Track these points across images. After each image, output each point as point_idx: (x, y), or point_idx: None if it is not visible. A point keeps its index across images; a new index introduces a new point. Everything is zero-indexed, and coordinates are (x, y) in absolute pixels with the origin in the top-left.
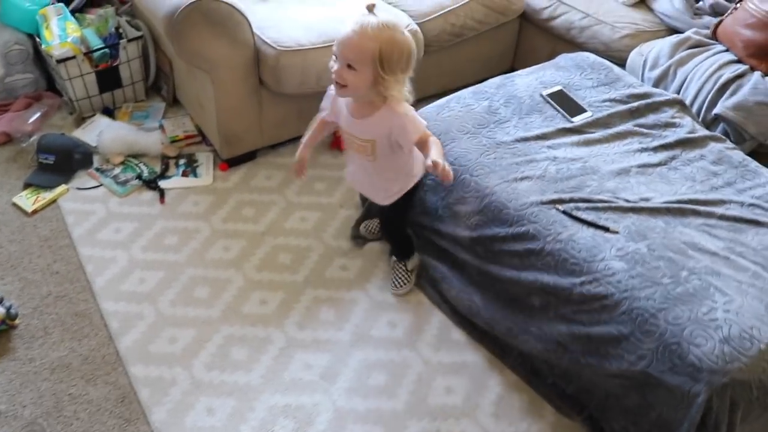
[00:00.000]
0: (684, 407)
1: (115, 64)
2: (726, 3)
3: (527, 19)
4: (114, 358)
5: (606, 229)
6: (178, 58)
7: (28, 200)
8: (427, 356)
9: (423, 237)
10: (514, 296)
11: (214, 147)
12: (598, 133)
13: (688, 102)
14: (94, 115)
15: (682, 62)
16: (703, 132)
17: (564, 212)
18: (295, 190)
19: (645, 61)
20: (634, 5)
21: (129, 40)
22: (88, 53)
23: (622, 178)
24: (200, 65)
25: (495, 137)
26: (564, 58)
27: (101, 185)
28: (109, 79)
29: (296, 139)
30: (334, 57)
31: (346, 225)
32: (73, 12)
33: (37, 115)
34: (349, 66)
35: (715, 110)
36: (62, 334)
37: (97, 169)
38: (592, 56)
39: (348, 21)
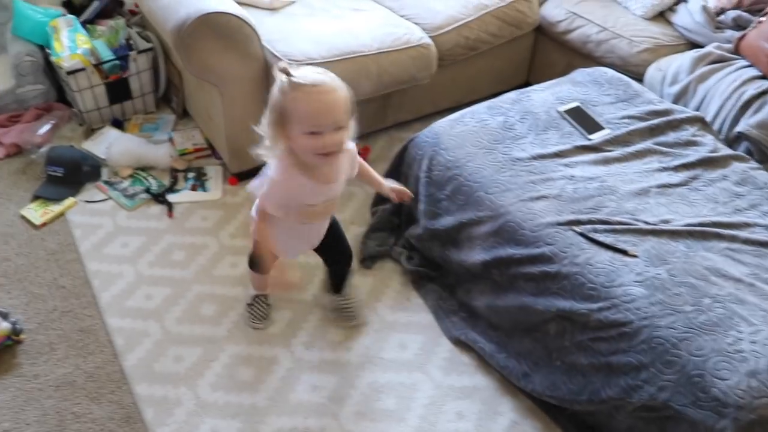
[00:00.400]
0: None
1: (125, 75)
2: (749, 16)
3: (542, 32)
4: (119, 376)
5: (624, 253)
6: (187, 72)
7: (36, 213)
8: (437, 379)
9: (430, 280)
10: (529, 326)
11: (223, 160)
12: (617, 152)
13: (709, 119)
14: (103, 126)
15: (703, 78)
16: (725, 151)
17: (581, 234)
18: None
19: (664, 77)
20: (652, 18)
21: (139, 52)
22: (99, 65)
23: (641, 199)
24: (209, 79)
25: (511, 154)
26: (581, 73)
27: (109, 198)
28: (118, 90)
29: None
30: (311, 133)
31: (357, 242)
32: (83, 24)
33: (47, 126)
34: (340, 127)
35: (738, 128)
36: (67, 350)
37: (106, 182)
38: (609, 71)
39: (298, 97)
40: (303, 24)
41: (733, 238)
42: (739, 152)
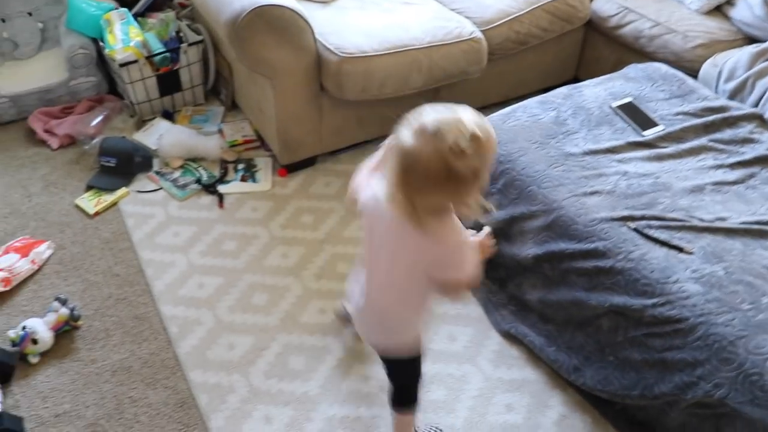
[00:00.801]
0: None
1: (175, 67)
2: None
3: (593, 27)
4: (173, 363)
5: (680, 249)
6: (239, 63)
7: (90, 202)
8: (487, 372)
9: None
10: (582, 320)
11: (273, 152)
12: (671, 148)
13: (767, 117)
14: (154, 118)
15: (762, 74)
16: None
17: (635, 230)
18: None
19: (720, 73)
20: (708, 13)
21: (189, 44)
22: (150, 57)
23: (696, 196)
24: (262, 71)
25: (563, 149)
26: (634, 69)
27: (161, 189)
28: (169, 82)
29: (355, 146)
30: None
31: None
32: (135, 16)
33: (100, 118)
34: None
35: None
36: (123, 336)
37: (157, 173)
38: (663, 67)
39: None
40: (354, 17)
41: None
42: None
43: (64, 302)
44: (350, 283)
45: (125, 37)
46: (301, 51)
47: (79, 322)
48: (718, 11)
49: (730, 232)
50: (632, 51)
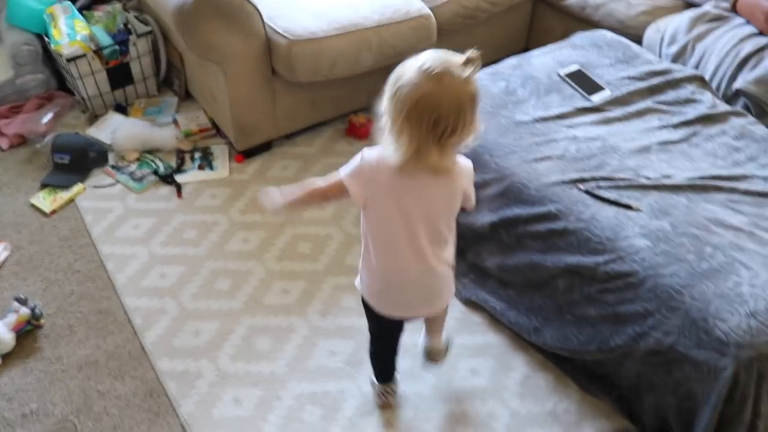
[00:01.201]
0: (711, 382)
1: (125, 60)
2: None
3: None
4: (140, 353)
5: (629, 207)
6: (190, 52)
7: (45, 201)
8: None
9: None
10: (539, 282)
11: (228, 139)
12: (618, 112)
13: (707, 77)
14: (107, 112)
15: (700, 37)
16: (723, 107)
17: (586, 191)
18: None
19: (662, 38)
20: None
21: (138, 36)
22: (98, 51)
23: (643, 156)
24: (212, 58)
25: (514, 117)
26: (580, 37)
27: (118, 182)
28: (120, 75)
29: (310, 129)
30: None
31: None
32: (80, 10)
33: (50, 115)
34: None
35: (736, 85)
36: (87, 331)
37: (113, 167)
38: (609, 34)
39: None
40: (303, 0)
41: (733, 190)
42: (738, 108)
43: (24, 302)
44: (366, 275)
45: (71, 31)
46: (251, 36)
47: (42, 321)
48: None
49: (675, 188)
50: (579, 20)
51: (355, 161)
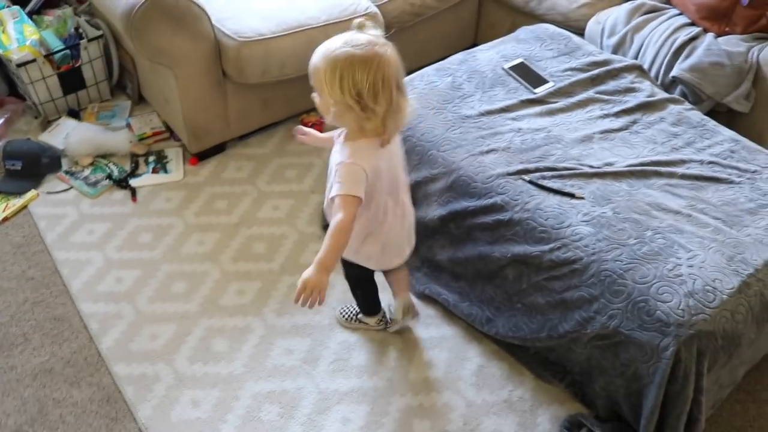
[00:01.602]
0: (655, 361)
1: (77, 65)
2: None
3: None
4: (96, 359)
5: (572, 196)
6: (140, 55)
7: None
8: (405, 333)
9: None
10: (489, 273)
11: (182, 142)
12: (561, 103)
13: (646, 66)
14: (59, 117)
15: (638, 28)
16: (662, 95)
17: (530, 182)
18: (266, 180)
19: (603, 29)
20: None
21: (89, 40)
22: (49, 55)
23: (585, 145)
24: (162, 61)
25: (460, 112)
26: (524, 31)
27: (71, 188)
28: (72, 80)
29: (263, 129)
30: None
31: (319, 210)
32: (29, 14)
33: (1, 121)
34: (314, 88)
35: (672, 73)
36: (42, 339)
37: (67, 172)
38: (551, 27)
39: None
40: (251, 1)
41: (671, 175)
42: (675, 95)
43: None
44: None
45: (20, 36)
46: (199, 38)
47: None
48: None
49: (617, 175)
50: (524, 14)
51: (359, 175)
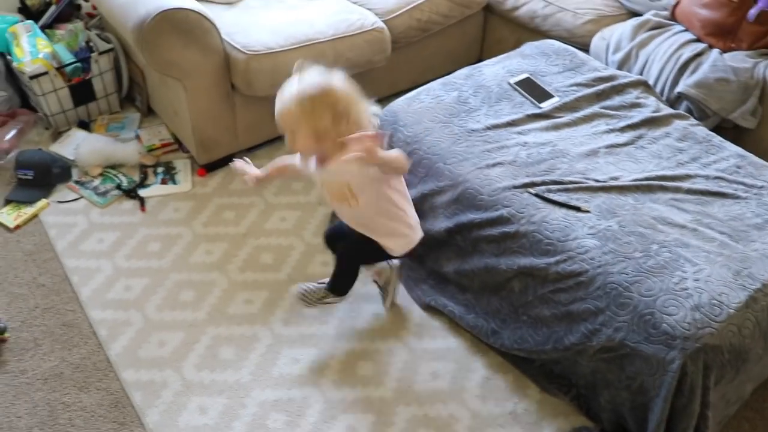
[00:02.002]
0: (661, 375)
1: (87, 77)
2: None
3: (491, 10)
4: (105, 365)
5: (577, 209)
6: (150, 68)
7: (9, 216)
8: (411, 344)
9: None
10: (495, 285)
11: (191, 153)
12: (566, 117)
13: (651, 82)
14: (69, 129)
15: (643, 44)
16: (667, 111)
17: (536, 195)
18: (273, 191)
19: (608, 45)
20: None
21: (100, 53)
22: (61, 68)
23: (591, 160)
24: (172, 74)
25: (466, 126)
26: (529, 47)
27: (81, 197)
28: (82, 92)
29: (271, 142)
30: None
31: (325, 222)
32: (42, 28)
33: (13, 132)
34: (293, 131)
35: (678, 89)
36: (52, 344)
37: (77, 182)
38: (556, 43)
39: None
40: (260, 16)
41: (677, 189)
42: (680, 111)
43: None
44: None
45: (33, 49)
46: (209, 51)
47: (6, 335)
48: None
49: (622, 189)
50: (529, 30)
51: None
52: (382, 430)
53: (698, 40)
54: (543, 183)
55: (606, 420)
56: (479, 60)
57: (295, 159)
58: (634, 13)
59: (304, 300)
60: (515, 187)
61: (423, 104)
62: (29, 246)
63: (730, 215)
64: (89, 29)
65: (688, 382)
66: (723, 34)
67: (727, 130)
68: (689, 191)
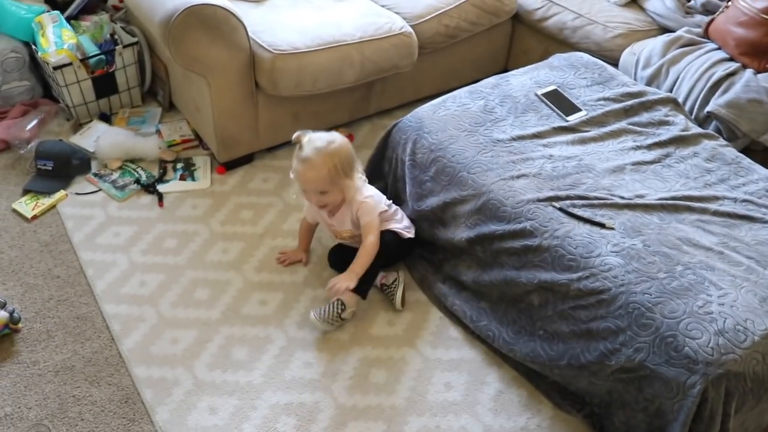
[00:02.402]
0: (680, 399)
1: (111, 70)
2: (717, 1)
3: (520, 20)
4: (117, 360)
5: (602, 226)
6: (174, 63)
7: (27, 206)
8: (426, 353)
9: (420, 257)
10: (514, 297)
11: (211, 151)
12: (593, 132)
13: (680, 100)
14: (91, 121)
15: (674, 61)
16: (696, 130)
17: (560, 209)
18: (292, 193)
19: (637, 60)
20: (626, 5)
21: (124, 46)
22: (85, 60)
23: (617, 176)
24: (197, 70)
25: (491, 135)
26: (557, 58)
27: (100, 190)
28: (105, 85)
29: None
30: (304, 192)
31: None
32: (68, 19)
33: (35, 122)
34: (322, 191)
35: (708, 108)
36: (65, 337)
37: (96, 174)
38: (585, 56)
39: (294, 167)
40: (287, 15)
41: (704, 210)
42: (709, 131)
43: (2, 305)
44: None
45: (58, 40)
46: (235, 49)
47: (19, 325)
48: (634, 3)
49: (648, 207)
50: (558, 42)
51: (380, 201)
52: None
53: (731, 59)
54: (567, 197)
55: None
56: (505, 69)
57: (308, 216)
58: (666, 29)
59: (322, 321)
60: (539, 200)
61: (449, 111)
62: (46, 237)
63: (757, 239)
64: (114, 22)
65: (708, 408)
66: (758, 54)
67: (757, 152)
68: (716, 213)
